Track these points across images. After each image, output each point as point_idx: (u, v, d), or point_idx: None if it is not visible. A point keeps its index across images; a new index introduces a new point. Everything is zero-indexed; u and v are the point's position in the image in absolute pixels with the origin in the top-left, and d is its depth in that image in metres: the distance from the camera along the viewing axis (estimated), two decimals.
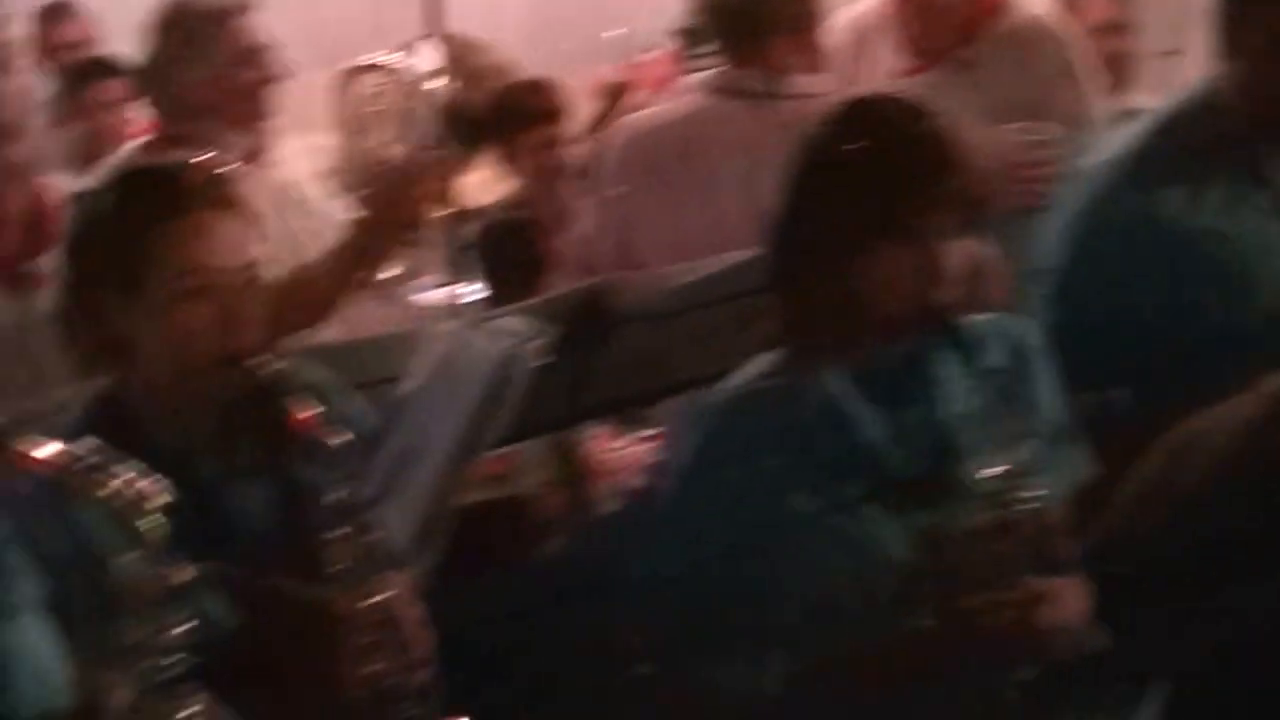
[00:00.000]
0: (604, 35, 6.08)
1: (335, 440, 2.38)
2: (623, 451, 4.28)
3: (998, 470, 2.49)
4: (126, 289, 2.48)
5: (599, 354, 3.29)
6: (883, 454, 2.55)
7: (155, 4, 3.84)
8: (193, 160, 2.54)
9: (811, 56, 4.09)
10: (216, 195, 2.50)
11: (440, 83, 4.84)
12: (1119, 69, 4.96)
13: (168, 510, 1.65)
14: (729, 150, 4.01)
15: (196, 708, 1.74)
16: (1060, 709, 2.54)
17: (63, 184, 3.54)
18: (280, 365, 2.47)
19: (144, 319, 2.49)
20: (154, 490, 1.64)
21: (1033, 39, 4.31)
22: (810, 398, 2.55)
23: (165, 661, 1.69)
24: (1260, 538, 2.63)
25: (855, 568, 2.51)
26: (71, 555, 2.30)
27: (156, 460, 1.69)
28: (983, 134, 3.16)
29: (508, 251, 4.12)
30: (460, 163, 4.89)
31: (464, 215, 4.50)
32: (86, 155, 5.85)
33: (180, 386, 2.51)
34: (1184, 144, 2.94)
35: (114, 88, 5.97)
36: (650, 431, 4.24)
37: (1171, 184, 2.90)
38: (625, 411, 4.03)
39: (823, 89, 3.99)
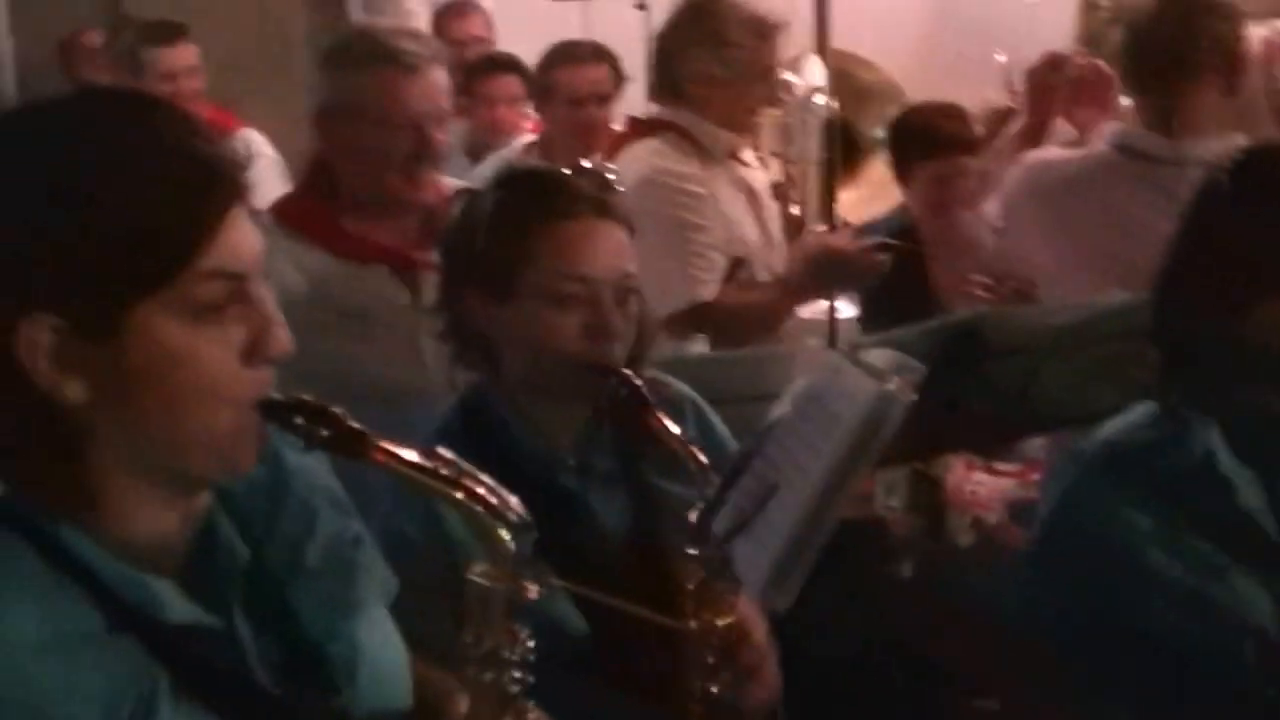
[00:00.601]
0: (996, 58, 5.96)
1: (696, 457, 2.34)
2: (983, 485, 4.21)
3: None
4: (499, 291, 2.49)
5: (968, 385, 3.23)
6: (1258, 518, 2.43)
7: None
8: (579, 167, 2.54)
9: (1222, 106, 3.94)
10: (598, 203, 2.49)
11: (824, 98, 4.85)
12: None
13: (527, 520, 1.64)
14: (1126, 208, 3.87)
15: None
16: None
17: (450, 178, 3.62)
18: (648, 377, 2.46)
19: (514, 323, 2.50)
20: (514, 499, 1.63)
21: None
22: (1189, 455, 2.44)
23: (512, 674, 1.67)
24: None
25: (1219, 634, 2.40)
26: (426, 557, 2.35)
27: (517, 465, 1.69)
28: None
29: (890, 273, 4.07)
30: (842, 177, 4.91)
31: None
32: (477, 148, 6.02)
33: (545, 393, 2.52)
34: None
35: (509, 84, 6.12)
36: (1010, 467, 4.17)
37: None
38: (988, 445, 3.96)
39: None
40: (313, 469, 1.78)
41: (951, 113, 5.04)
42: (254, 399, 1.55)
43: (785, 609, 2.17)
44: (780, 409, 2.27)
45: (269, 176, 5.29)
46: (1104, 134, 4.02)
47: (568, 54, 5.41)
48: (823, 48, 4.96)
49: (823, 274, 4.01)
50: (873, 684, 3.51)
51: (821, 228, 4.94)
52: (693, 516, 2.32)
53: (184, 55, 6.00)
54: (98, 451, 1.52)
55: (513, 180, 2.60)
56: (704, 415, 2.65)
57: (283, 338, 1.57)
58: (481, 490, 1.60)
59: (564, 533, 2.31)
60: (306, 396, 1.56)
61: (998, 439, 3.72)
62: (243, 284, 1.54)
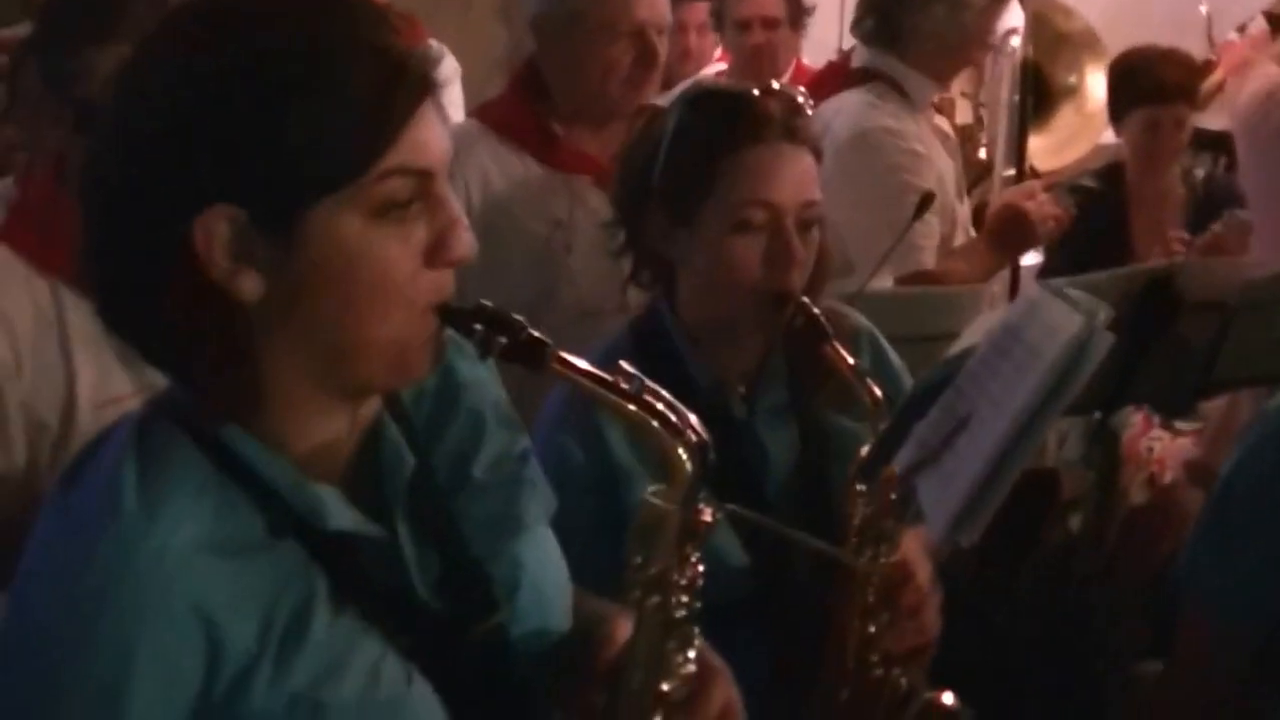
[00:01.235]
0: (1199, 9, 5.81)
1: (872, 391, 2.30)
2: (1160, 442, 4.14)
3: None
4: (680, 213, 2.44)
5: (1157, 336, 3.16)
6: None
7: None
8: (768, 89, 2.47)
9: None
10: (787, 127, 2.41)
11: (1020, 41, 4.77)
12: None
13: (706, 440, 1.60)
14: None
15: (693, 654, 1.68)
16: None
17: None
18: (825, 307, 2.42)
19: (693, 245, 2.45)
20: (694, 417, 1.59)
21: None
22: None
23: (677, 599, 1.63)
24: None
25: None
26: (598, 475, 2.33)
27: (686, 392, 1.64)
28: None
29: (1087, 220, 4.00)
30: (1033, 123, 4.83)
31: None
32: (668, 76, 5.97)
33: (720, 319, 2.47)
34: None
35: (698, 10, 6.07)
36: (1190, 426, 4.09)
37: None
38: (1172, 400, 3.87)
39: None
40: (484, 382, 1.76)
41: (1176, 59, 4.94)
42: (433, 303, 1.53)
43: (966, 546, 2.12)
44: (968, 341, 2.20)
45: (453, 88, 5.30)
46: None
47: None
48: None
49: (1007, 238, 3.93)
50: (1032, 641, 3.46)
51: (1009, 172, 4.86)
52: (863, 451, 2.28)
53: None
54: (270, 352, 1.51)
55: (699, 100, 2.52)
56: (881, 350, 2.60)
57: (466, 240, 1.53)
58: (661, 407, 1.57)
59: (730, 463, 2.25)
60: (487, 303, 1.53)
61: (1183, 395, 3.63)
62: (428, 182, 1.51)
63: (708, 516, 1.63)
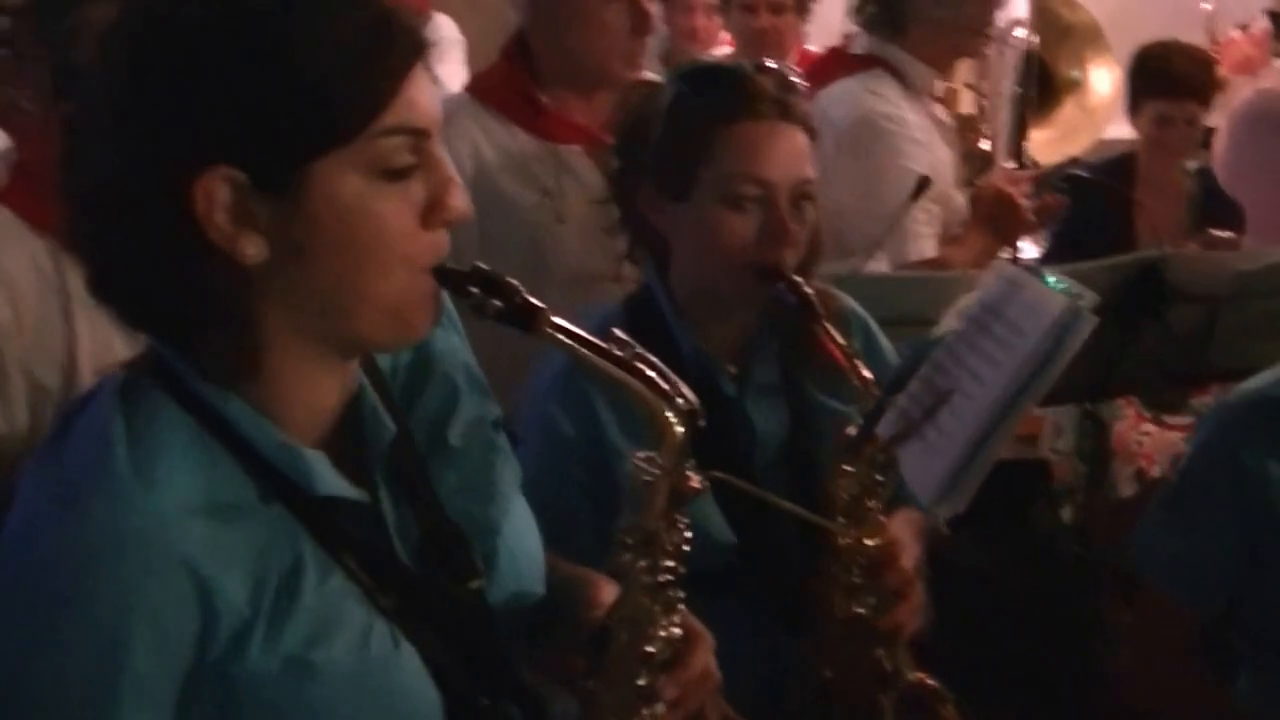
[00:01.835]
0: (1201, 5, 5.81)
1: (860, 372, 2.31)
2: (1150, 436, 4.15)
3: None
4: (674, 188, 2.46)
5: (1146, 326, 3.17)
6: None
7: None
8: (763, 66, 2.48)
9: None
10: (781, 104, 2.42)
11: (1024, 33, 4.77)
12: None
13: (695, 407, 1.63)
14: None
15: (677, 619, 1.72)
16: None
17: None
18: (817, 288, 2.42)
19: (686, 221, 2.46)
20: (684, 385, 1.63)
21: None
22: None
23: (665, 563, 1.67)
24: None
25: None
26: (586, 448, 2.35)
27: (676, 367, 1.66)
28: None
29: (1094, 210, 4.02)
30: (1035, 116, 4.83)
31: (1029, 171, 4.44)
32: (674, 56, 5.99)
33: (712, 296, 2.49)
34: None
35: None
36: (1180, 421, 4.11)
37: None
38: (1161, 391, 3.89)
39: None
40: (455, 349, 1.78)
41: (1195, 56, 4.96)
42: (429, 263, 1.54)
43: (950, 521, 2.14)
44: (950, 322, 2.22)
45: (454, 59, 5.31)
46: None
47: None
48: None
49: (995, 222, 3.93)
50: (1021, 626, 3.48)
51: (1010, 164, 4.86)
52: (851, 431, 2.30)
53: None
54: (268, 315, 1.52)
55: (694, 75, 2.53)
56: (871, 334, 2.60)
57: (461, 200, 1.55)
58: (652, 373, 1.60)
59: (719, 440, 2.27)
60: (482, 266, 1.55)
61: (1172, 385, 3.65)
62: (424, 142, 1.53)
63: (695, 482, 1.66)
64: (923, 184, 3.39)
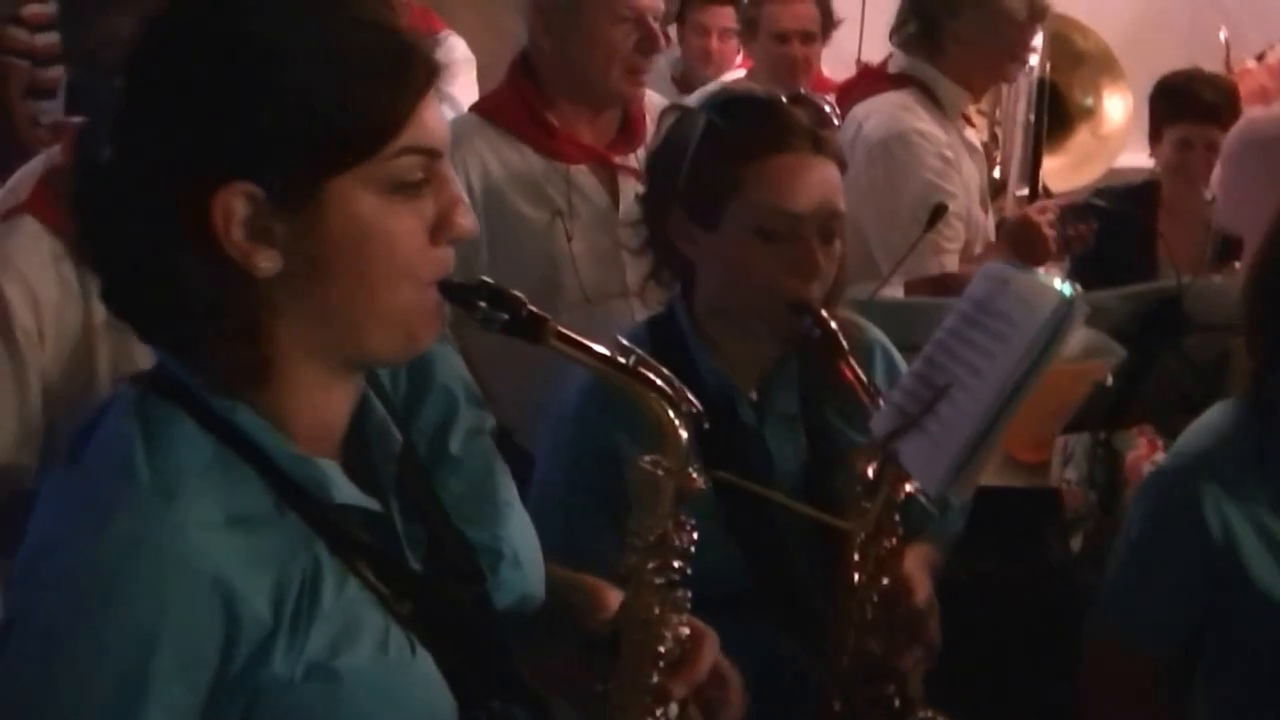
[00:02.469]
0: (1219, 34, 5.81)
1: (877, 405, 2.30)
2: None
3: None
4: (704, 217, 2.45)
5: (1164, 355, 3.17)
6: None
7: None
8: (798, 97, 2.49)
9: None
10: (814, 137, 2.42)
11: (1037, 60, 4.76)
12: None
13: (699, 410, 1.67)
14: None
15: (685, 619, 1.75)
16: None
17: (654, 97, 3.70)
18: (842, 317, 2.42)
19: (715, 250, 2.46)
20: (689, 395, 1.66)
21: None
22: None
23: (672, 563, 1.72)
24: None
25: None
26: (604, 458, 2.34)
27: (696, 393, 1.68)
28: None
29: (1115, 238, 4.02)
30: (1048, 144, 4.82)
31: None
32: (688, 78, 6.02)
33: (737, 324, 2.49)
34: None
35: (723, 14, 6.10)
36: None
37: None
38: (1177, 420, 3.88)
39: None
40: (451, 360, 1.81)
41: (1217, 83, 4.96)
42: (435, 278, 1.57)
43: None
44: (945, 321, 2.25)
45: (467, 78, 5.31)
46: None
47: None
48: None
49: (1022, 248, 3.94)
50: (1034, 656, 3.46)
51: (1022, 191, 4.87)
52: (863, 459, 2.29)
53: None
54: (279, 329, 1.53)
55: (728, 104, 2.51)
56: (893, 362, 2.60)
57: (468, 219, 1.58)
58: (656, 379, 1.64)
59: (735, 468, 2.27)
60: (488, 279, 1.59)
61: (1188, 415, 3.63)
62: (436, 162, 1.55)
63: (700, 483, 1.71)
64: (939, 211, 3.39)
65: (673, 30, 6.41)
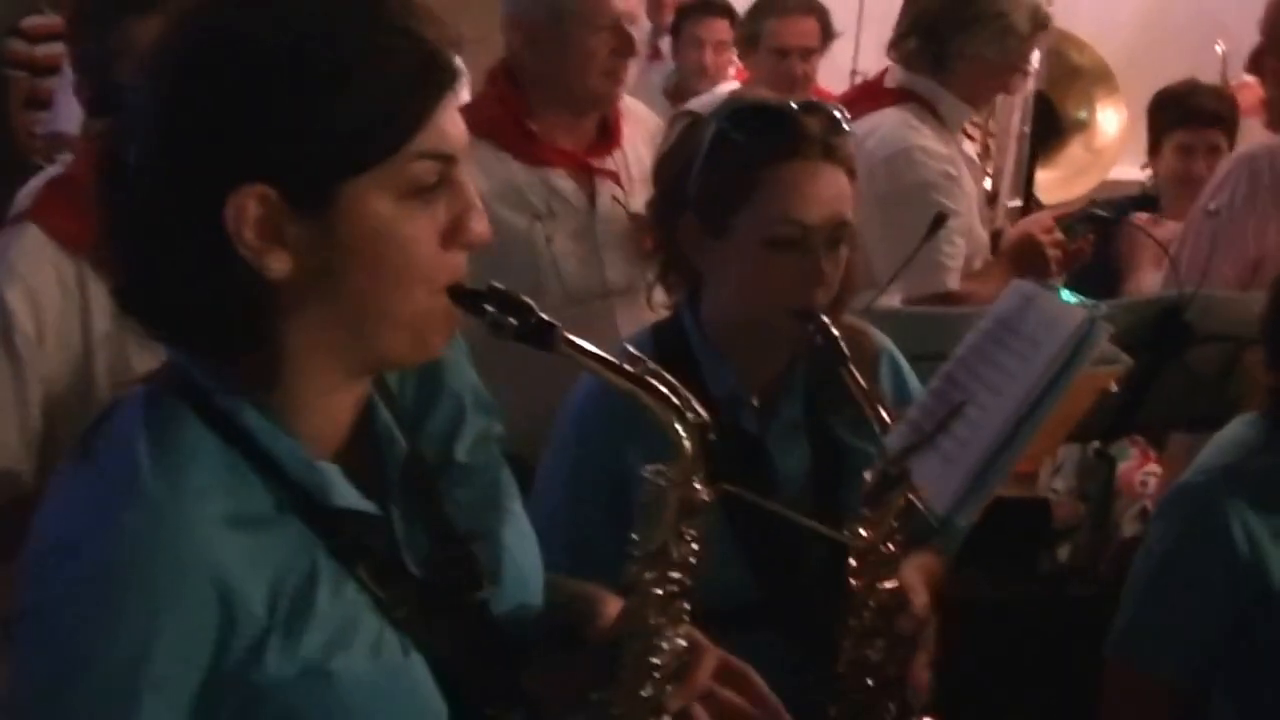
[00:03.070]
0: (1216, 48, 5.83)
1: (881, 417, 2.29)
2: (1156, 477, 4.14)
3: None
4: (713, 224, 2.44)
5: (1165, 366, 3.17)
6: None
7: None
8: (810, 105, 2.46)
9: None
10: (825, 145, 2.40)
11: (1034, 73, 4.78)
12: None
13: (705, 421, 1.65)
14: None
15: (683, 633, 1.73)
16: None
17: (639, 107, 3.81)
18: (848, 325, 2.43)
19: (723, 256, 2.45)
20: (695, 405, 1.65)
21: None
22: None
23: (672, 574, 1.70)
24: None
25: None
26: (610, 466, 2.33)
27: (700, 399, 1.67)
28: None
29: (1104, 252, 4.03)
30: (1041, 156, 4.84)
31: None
32: (681, 90, 6.01)
33: (743, 331, 2.48)
34: None
35: (719, 27, 6.10)
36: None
37: None
38: (1170, 433, 3.89)
39: None
40: (461, 366, 1.80)
41: (1216, 92, 4.99)
42: (447, 283, 1.56)
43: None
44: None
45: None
46: None
47: (778, 4, 5.40)
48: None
49: (1022, 263, 3.95)
50: (1029, 666, 3.47)
51: (1015, 202, 4.88)
52: (869, 475, 2.29)
53: None
54: (289, 331, 1.53)
55: (739, 111, 2.48)
56: (899, 370, 2.60)
57: (482, 225, 1.58)
58: (664, 388, 1.63)
59: (739, 476, 2.26)
60: (498, 285, 1.58)
61: (1187, 427, 3.64)
62: (451, 167, 1.56)
63: (705, 495, 1.69)
64: (938, 220, 3.39)
65: (666, 43, 6.45)
